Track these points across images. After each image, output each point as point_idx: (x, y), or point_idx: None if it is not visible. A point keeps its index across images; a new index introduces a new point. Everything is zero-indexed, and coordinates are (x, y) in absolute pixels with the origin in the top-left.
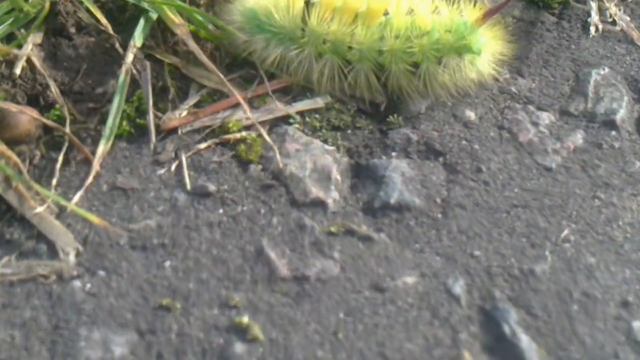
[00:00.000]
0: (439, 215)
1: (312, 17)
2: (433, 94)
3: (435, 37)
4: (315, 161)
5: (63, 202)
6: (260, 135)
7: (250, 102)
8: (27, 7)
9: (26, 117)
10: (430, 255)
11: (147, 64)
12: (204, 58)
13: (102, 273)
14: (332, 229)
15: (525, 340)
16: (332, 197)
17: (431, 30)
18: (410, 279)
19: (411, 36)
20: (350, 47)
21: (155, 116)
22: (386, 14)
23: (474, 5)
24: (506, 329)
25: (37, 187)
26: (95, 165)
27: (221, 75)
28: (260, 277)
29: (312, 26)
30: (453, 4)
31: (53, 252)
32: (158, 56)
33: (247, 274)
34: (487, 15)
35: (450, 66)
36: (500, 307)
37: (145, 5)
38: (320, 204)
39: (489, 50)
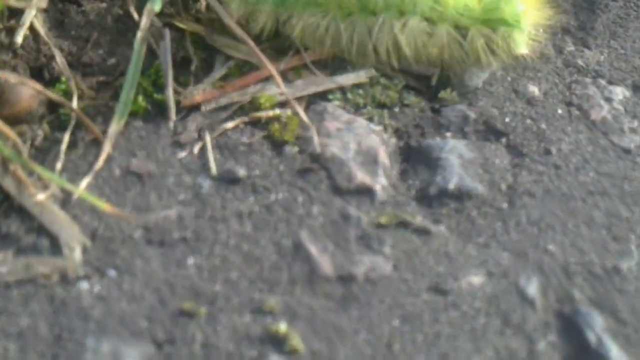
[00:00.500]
0: (505, 204)
1: None
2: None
3: (463, 1)
4: (359, 142)
5: (68, 188)
6: (296, 113)
7: (284, 76)
8: None
9: (27, 91)
10: (497, 251)
11: (167, 31)
12: (232, 23)
13: (113, 273)
14: (382, 220)
15: (614, 351)
16: (380, 184)
17: None
18: (475, 279)
19: None
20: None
21: (175, 91)
22: None
23: None
24: (591, 337)
25: (38, 169)
26: (107, 147)
27: (252, 43)
28: (299, 277)
29: None
30: None
31: (56, 247)
32: (178, 24)
33: (284, 273)
34: None
35: (476, 40)
36: (583, 311)
37: None
38: (366, 192)
39: (528, 22)
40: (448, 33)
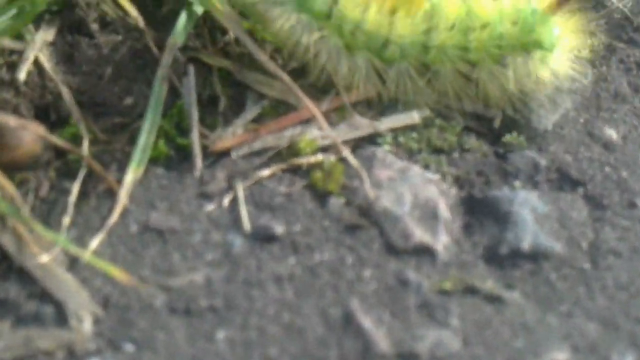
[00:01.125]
0: (588, 265)
1: None
2: (490, 99)
3: (498, 30)
4: (415, 193)
5: (75, 252)
6: (341, 159)
7: (327, 117)
8: None
9: (30, 135)
10: (582, 321)
11: (191, 67)
12: (264, 58)
13: (129, 347)
14: (446, 286)
15: None
16: (442, 242)
17: (492, 22)
18: (560, 355)
19: (467, 28)
20: (387, 42)
21: (202, 135)
22: None
23: None
24: None
25: (39, 228)
26: (122, 199)
27: (288, 80)
28: (351, 354)
29: (342, 6)
30: None
31: (62, 317)
32: (204, 59)
33: (332, 350)
34: (562, 1)
35: (514, 66)
36: None
37: None
38: (426, 252)
39: (564, 45)
40: (489, 71)
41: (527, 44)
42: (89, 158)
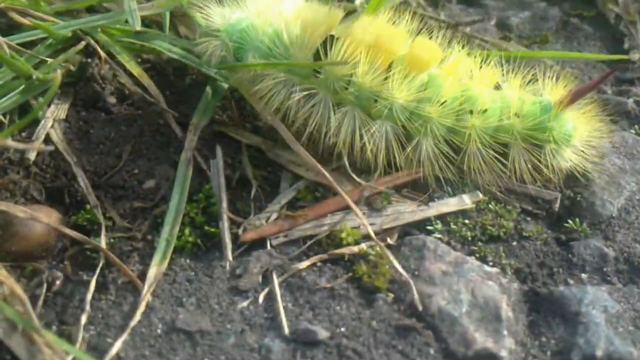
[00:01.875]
0: None
1: (333, 52)
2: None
3: (493, 122)
4: (473, 290)
5: None
6: (387, 247)
7: (369, 202)
8: (37, 74)
9: (41, 225)
10: None
11: (219, 149)
12: (297, 146)
13: None
14: None
15: None
16: (507, 347)
17: (490, 110)
18: None
19: (459, 109)
20: (376, 100)
21: (232, 221)
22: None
23: (555, 80)
24: None
25: (51, 337)
26: (146, 295)
27: (320, 167)
28: None
29: (333, 61)
30: (524, 77)
31: None
32: (232, 135)
33: None
34: (576, 96)
35: (517, 156)
36: None
37: (212, 74)
38: (490, 359)
39: (578, 138)
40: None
41: (535, 137)
42: (106, 252)
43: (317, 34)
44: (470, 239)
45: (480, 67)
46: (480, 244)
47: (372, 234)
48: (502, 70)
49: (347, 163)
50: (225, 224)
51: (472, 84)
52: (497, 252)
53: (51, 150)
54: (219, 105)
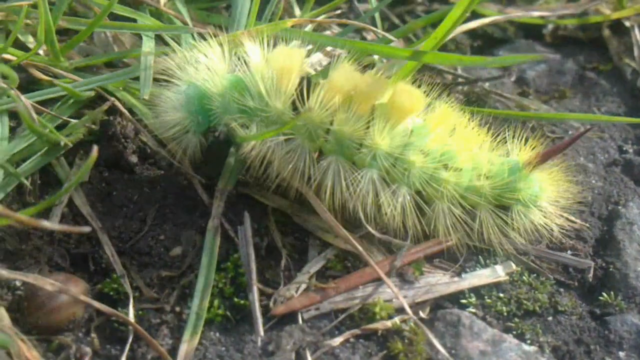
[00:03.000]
0: None
1: (312, 98)
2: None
3: (465, 182)
4: None
5: None
6: (422, 320)
7: (401, 273)
8: (65, 140)
9: (67, 297)
10: None
11: (247, 217)
12: (326, 215)
13: None
14: None
15: None
16: None
17: (465, 170)
18: None
19: (438, 163)
20: (360, 147)
21: (262, 292)
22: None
23: (524, 142)
24: None
25: None
26: None
27: (350, 237)
28: None
29: (310, 108)
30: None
31: None
32: (259, 198)
33: None
34: (545, 157)
35: (485, 219)
36: None
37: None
38: None
39: (546, 198)
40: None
41: (503, 198)
42: (136, 325)
43: (292, 80)
44: (505, 314)
45: (466, 125)
46: (516, 319)
47: (409, 310)
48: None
49: (376, 232)
50: (255, 297)
51: (453, 140)
52: (534, 329)
53: (74, 215)
54: (244, 167)
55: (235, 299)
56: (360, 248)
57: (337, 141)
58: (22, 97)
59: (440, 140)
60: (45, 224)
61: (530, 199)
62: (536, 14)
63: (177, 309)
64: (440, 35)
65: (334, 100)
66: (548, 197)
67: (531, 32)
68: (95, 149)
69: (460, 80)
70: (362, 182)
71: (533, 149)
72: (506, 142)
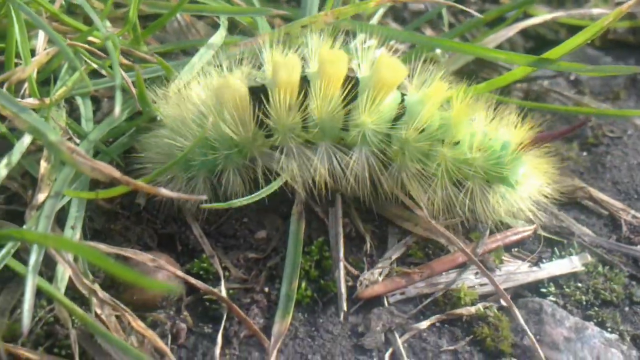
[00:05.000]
0: None
1: (272, 105)
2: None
3: (464, 153)
4: (598, 358)
5: None
6: (501, 308)
7: (482, 261)
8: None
9: (162, 274)
10: None
11: (339, 197)
12: (406, 199)
13: None
14: None
15: None
16: None
17: (462, 142)
18: None
19: (434, 137)
20: (347, 129)
21: (347, 273)
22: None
23: (521, 122)
24: None
25: None
26: (273, 352)
27: (437, 226)
28: None
29: (277, 115)
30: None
31: None
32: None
33: None
34: (539, 140)
35: (474, 194)
36: None
37: None
38: None
39: (529, 184)
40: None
41: (491, 175)
42: (231, 303)
43: (244, 102)
44: (585, 303)
45: (463, 98)
46: (595, 308)
47: (502, 291)
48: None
49: (436, 222)
50: (342, 281)
51: (450, 114)
52: (614, 318)
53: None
54: None
55: (322, 281)
56: (452, 236)
57: (320, 128)
58: (124, 74)
59: (434, 114)
60: (164, 191)
61: (512, 179)
62: (596, 11)
63: (266, 289)
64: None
65: (292, 98)
66: (531, 186)
67: None
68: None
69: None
70: (357, 162)
71: (530, 129)
72: (501, 119)
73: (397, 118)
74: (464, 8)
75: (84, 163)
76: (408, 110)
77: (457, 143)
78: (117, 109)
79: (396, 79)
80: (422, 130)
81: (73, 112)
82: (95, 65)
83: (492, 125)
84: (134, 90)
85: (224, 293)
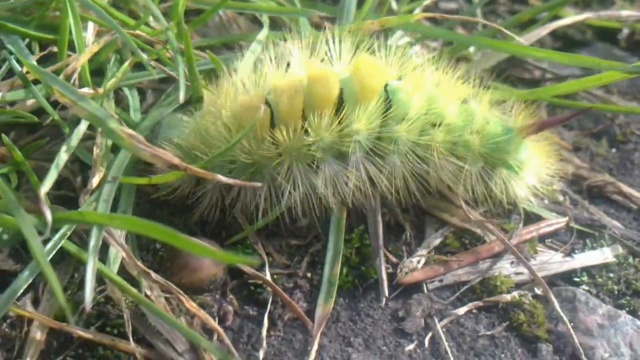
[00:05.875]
0: None
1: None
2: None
3: (457, 134)
4: (631, 344)
5: None
6: (536, 296)
7: (518, 251)
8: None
9: (210, 260)
10: None
11: (377, 190)
12: (445, 189)
13: None
14: None
15: None
16: None
17: (452, 124)
18: None
19: (427, 123)
20: (344, 139)
21: (387, 261)
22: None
23: (523, 107)
24: None
25: None
26: (317, 334)
27: (479, 216)
28: None
29: (284, 140)
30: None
31: None
32: None
33: None
34: (542, 126)
35: (471, 176)
36: None
37: None
38: None
39: (532, 169)
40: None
41: (491, 158)
42: (276, 287)
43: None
44: (616, 292)
45: (449, 79)
46: (627, 297)
47: (538, 276)
48: (472, 85)
49: (492, 213)
50: (382, 267)
51: (439, 96)
52: None
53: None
54: None
55: (362, 268)
56: (492, 227)
57: (323, 147)
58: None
59: (422, 101)
60: (220, 177)
61: (514, 164)
62: (625, 13)
63: (308, 274)
64: None
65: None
66: (533, 170)
67: (606, 36)
68: (263, 108)
69: (548, 76)
70: (355, 170)
71: (532, 114)
72: (502, 103)
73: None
74: None
75: (144, 149)
76: (394, 102)
77: (449, 125)
78: (182, 95)
79: (381, 83)
80: (413, 121)
81: (118, 103)
82: (144, 57)
83: (493, 109)
84: (182, 80)
85: (268, 277)
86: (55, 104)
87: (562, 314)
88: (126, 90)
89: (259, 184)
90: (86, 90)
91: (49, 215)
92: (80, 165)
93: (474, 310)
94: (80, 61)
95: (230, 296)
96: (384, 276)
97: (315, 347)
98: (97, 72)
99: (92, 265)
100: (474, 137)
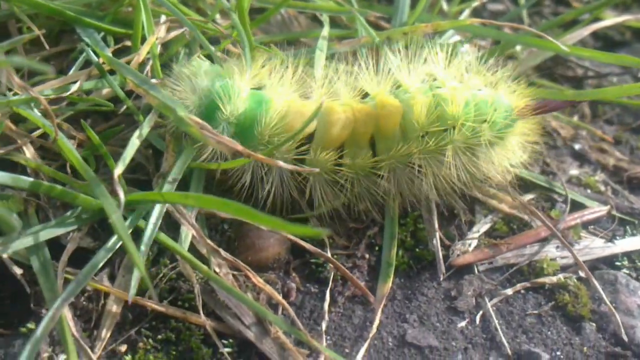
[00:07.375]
0: None
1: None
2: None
3: (469, 132)
4: None
5: None
6: (580, 279)
7: (564, 236)
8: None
9: (274, 238)
10: None
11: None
12: (498, 176)
13: None
14: None
15: None
16: None
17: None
18: None
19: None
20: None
21: (441, 243)
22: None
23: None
24: None
25: (305, 337)
26: (378, 310)
27: (527, 203)
28: None
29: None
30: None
31: None
32: None
33: None
34: (543, 108)
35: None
36: None
37: None
38: None
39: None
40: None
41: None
42: (339, 264)
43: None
44: None
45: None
46: None
47: (580, 261)
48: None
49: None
50: (438, 250)
51: (445, 98)
52: None
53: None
54: None
55: (417, 250)
56: (539, 214)
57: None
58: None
59: (430, 114)
60: (281, 163)
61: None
62: None
63: (367, 255)
64: None
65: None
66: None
67: None
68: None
69: (590, 74)
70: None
71: (530, 96)
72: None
73: None
74: None
75: (211, 137)
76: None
77: (462, 124)
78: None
79: (397, 119)
80: (423, 137)
81: None
82: (212, 49)
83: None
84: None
85: (330, 257)
86: (129, 94)
87: (604, 295)
88: None
89: (316, 170)
90: (155, 80)
91: (122, 195)
92: (153, 151)
93: (522, 291)
94: (148, 51)
95: (293, 274)
96: (441, 259)
97: (377, 321)
98: (167, 65)
99: (149, 235)
100: (485, 126)
